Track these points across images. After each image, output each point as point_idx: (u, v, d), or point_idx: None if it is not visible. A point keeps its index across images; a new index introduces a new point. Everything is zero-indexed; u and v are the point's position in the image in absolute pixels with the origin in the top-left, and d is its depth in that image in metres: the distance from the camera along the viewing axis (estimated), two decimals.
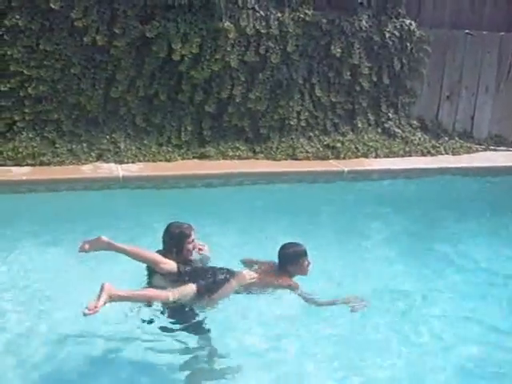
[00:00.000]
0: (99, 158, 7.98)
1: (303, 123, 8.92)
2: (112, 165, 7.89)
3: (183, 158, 8.30)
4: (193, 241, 4.63)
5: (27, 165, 7.63)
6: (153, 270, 4.53)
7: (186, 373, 4.37)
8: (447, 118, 10.05)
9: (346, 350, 4.68)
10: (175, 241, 4.57)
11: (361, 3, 9.02)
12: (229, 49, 8.30)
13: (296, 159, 8.66)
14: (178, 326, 4.41)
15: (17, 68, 7.73)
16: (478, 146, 9.88)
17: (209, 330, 4.44)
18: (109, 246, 4.37)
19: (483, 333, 5.05)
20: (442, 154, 9.43)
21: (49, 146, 7.86)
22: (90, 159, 7.91)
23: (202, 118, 8.52)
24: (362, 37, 9.04)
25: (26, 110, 7.84)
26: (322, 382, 4.42)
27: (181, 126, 8.43)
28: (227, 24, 8.23)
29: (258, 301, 4.68)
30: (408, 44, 9.33)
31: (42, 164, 7.68)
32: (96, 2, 7.81)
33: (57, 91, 7.95)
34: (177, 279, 4.42)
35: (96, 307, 3.81)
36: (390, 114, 9.51)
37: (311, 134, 9.01)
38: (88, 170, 7.73)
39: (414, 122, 9.73)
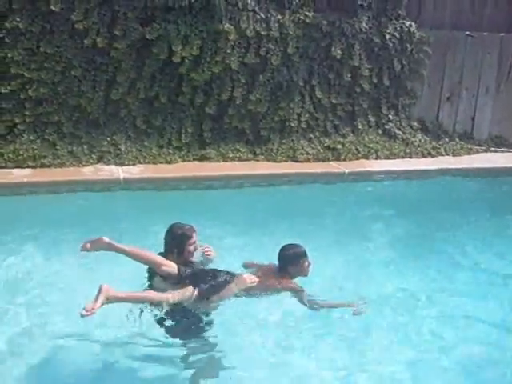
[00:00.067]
0: (100, 160, 7.99)
1: (304, 125, 8.93)
2: (113, 167, 7.90)
3: (184, 160, 8.31)
4: (194, 242, 4.62)
5: (28, 167, 7.65)
6: (153, 272, 4.53)
7: (187, 374, 4.38)
8: (447, 119, 10.06)
9: (349, 351, 4.69)
10: (177, 242, 4.56)
11: (361, 5, 9.02)
12: (229, 51, 8.31)
13: (296, 161, 8.67)
14: (178, 329, 4.40)
15: (17, 70, 7.74)
16: (478, 147, 9.90)
17: (207, 333, 4.44)
18: (109, 247, 4.37)
19: (486, 332, 5.06)
20: (442, 156, 9.45)
21: (49, 148, 7.88)
22: (91, 161, 7.93)
23: (202, 119, 8.53)
24: (362, 38, 9.05)
25: (27, 113, 7.86)
26: (323, 382, 4.42)
27: (181, 127, 8.44)
28: (227, 26, 8.24)
29: (258, 303, 4.68)
30: (408, 45, 9.34)
31: (42, 166, 7.70)
32: (96, 5, 7.83)
33: (57, 93, 7.97)
34: (177, 281, 4.41)
35: (93, 309, 3.82)
36: (390, 116, 9.52)
37: (312, 135, 9.02)
38: (89, 172, 7.74)
39: (415, 124, 9.74)
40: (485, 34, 9.91)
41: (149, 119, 8.38)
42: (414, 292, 5.57)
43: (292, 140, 8.86)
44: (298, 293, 4.68)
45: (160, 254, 4.57)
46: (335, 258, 5.96)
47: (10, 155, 7.66)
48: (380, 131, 9.44)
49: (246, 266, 5.01)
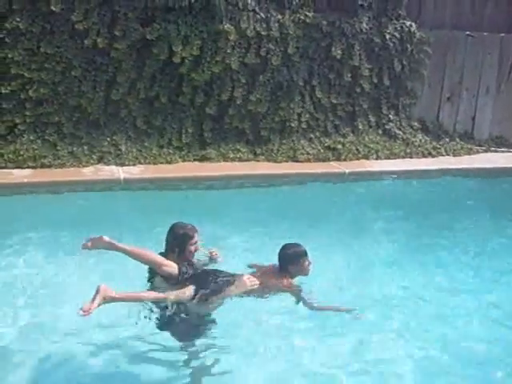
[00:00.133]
0: (100, 160, 7.99)
1: (304, 125, 8.93)
2: (113, 167, 7.91)
3: (184, 160, 8.31)
4: (196, 243, 4.62)
5: (28, 167, 7.65)
6: (154, 272, 4.53)
7: (187, 373, 4.38)
8: (448, 120, 10.06)
9: (351, 351, 4.70)
10: (178, 241, 4.56)
11: (361, 5, 9.02)
12: (229, 51, 8.31)
13: (297, 161, 8.67)
14: (180, 328, 4.40)
15: (18, 71, 7.75)
16: (478, 148, 9.90)
17: (209, 333, 4.44)
18: (110, 246, 4.37)
19: (488, 331, 5.07)
20: (442, 156, 9.46)
21: (50, 149, 7.88)
22: (91, 161, 7.93)
23: (202, 120, 8.53)
24: (362, 38, 9.05)
25: (27, 113, 7.87)
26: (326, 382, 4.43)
27: (181, 128, 8.44)
28: (228, 26, 8.24)
29: (258, 303, 4.68)
30: (408, 45, 9.35)
31: (43, 166, 7.70)
32: (97, 5, 7.83)
33: (58, 94, 7.97)
34: (178, 282, 4.41)
35: (90, 309, 3.83)
36: (390, 116, 9.53)
37: (312, 135, 9.03)
38: (89, 172, 7.74)
39: (415, 124, 9.75)
40: (485, 34, 9.92)
41: (149, 119, 8.38)
42: (413, 291, 5.56)
43: (292, 140, 8.87)
44: (297, 293, 4.69)
45: (161, 253, 4.57)
46: (336, 258, 5.95)
47: (11, 155, 7.66)
48: (380, 131, 9.45)
49: (251, 266, 5.02)
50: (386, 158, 9.10)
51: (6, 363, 4.37)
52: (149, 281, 4.56)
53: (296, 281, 4.77)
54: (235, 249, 5.78)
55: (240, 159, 8.51)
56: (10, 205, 6.82)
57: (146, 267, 4.55)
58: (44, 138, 7.93)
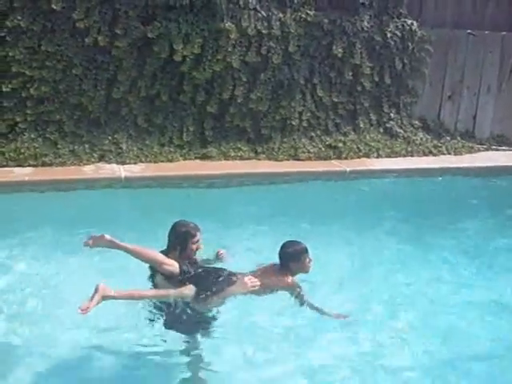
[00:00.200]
0: (101, 158, 7.99)
1: (305, 123, 8.93)
2: (114, 165, 7.90)
3: (185, 159, 8.31)
4: (198, 241, 4.62)
5: (29, 165, 7.65)
6: (155, 271, 4.53)
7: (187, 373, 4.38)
8: (449, 118, 10.05)
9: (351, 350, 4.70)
10: (180, 239, 4.56)
11: (362, 3, 9.01)
12: (230, 49, 8.31)
13: (298, 159, 8.66)
14: (181, 324, 4.40)
15: (19, 69, 7.74)
16: (479, 146, 9.89)
17: (209, 331, 4.44)
18: (111, 244, 4.37)
19: (491, 331, 5.07)
20: (443, 154, 9.44)
21: (51, 147, 7.88)
22: (92, 160, 7.93)
23: (203, 118, 8.53)
24: (363, 37, 9.04)
25: (28, 111, 7.87)
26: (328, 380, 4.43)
27: (182, 126, 8.44)
28: (229, 24, 8.24)
29: (258, 302, 4.68)
30: (409, 44, 9.33)
31: (43, 165, 7.70)
32: (98, 3, 7.83)
33: (58, 92, 7.97)
34: (179, 280, 4.41)
35: (88, 307, 3.85)
36: (391, 114, 9.52)
37: (313, 134, 9.02)
38: (90, 170, 7.74)
39: (416, 122, 9.74)
40: (486, 32, 9.90)
41: (150, 118, 8.38)
42: (414, 290, 5.56)
43: (293, 138, 8.86)
44: (298, 290, 4.69)
45: (162, 251, 4.57)
46: (337, 256, 5.95)
47: (12, 154, 7.66)
48: (381, 130, 9.44)
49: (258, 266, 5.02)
50: (386, 157, 9.09)
51: (6, 363, 4.36)
52: (150, 279, 4.56)
53: (296, 278, 4.77)
54: (236, 247, 5.76)
55: (241, 157, 8.51)
56: (10, 203, 6.81)
57: (147, 265, 4.56)
58: (45, 137, 7.93)
